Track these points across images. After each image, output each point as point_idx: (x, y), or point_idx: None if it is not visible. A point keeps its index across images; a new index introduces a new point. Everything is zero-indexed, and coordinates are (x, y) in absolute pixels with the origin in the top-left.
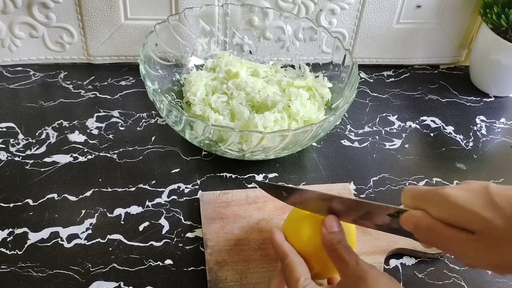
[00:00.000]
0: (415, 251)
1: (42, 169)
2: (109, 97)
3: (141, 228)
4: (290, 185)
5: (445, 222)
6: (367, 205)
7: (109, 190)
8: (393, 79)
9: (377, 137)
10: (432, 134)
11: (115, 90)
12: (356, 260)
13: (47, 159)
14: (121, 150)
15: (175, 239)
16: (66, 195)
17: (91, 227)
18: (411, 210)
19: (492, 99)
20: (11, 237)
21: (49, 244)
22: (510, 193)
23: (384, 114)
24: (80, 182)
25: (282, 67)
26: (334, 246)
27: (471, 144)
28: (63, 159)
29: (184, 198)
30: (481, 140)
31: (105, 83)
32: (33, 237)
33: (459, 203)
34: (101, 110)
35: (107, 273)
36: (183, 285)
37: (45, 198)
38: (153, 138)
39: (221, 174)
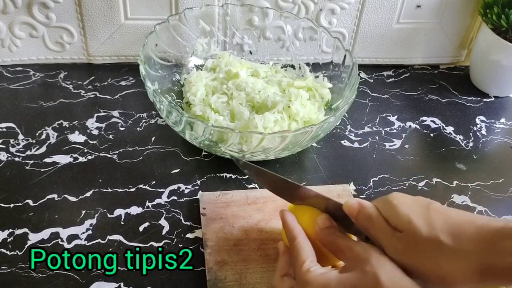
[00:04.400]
0: None
1: (42, 170)
2: (109, 97)
3: (141, 228)
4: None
5: (385, 219)
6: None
7: (109, 190)
8: (393, 79)
9: (377, 137)
10: (432, 135)
11: (115, 90)
12: (357, 243)
13: (47, 160)
14: (121, 150)
15: (175, 239)
16: (66, 195)
17: (91, 227)
18: (357, 199)
19: (492, 99)
20: (11, 238)
21: (49, 245)
22: (447, 212)
23: (384, 114)
24: (80, 183)
25: (282, 67)
26: (330, 237)
27: (471, 144)
28: (63, 159)
29: (184, 198)
30: (481, 141)
31: (105, 83)
32: (33, 238)
33: (400, 207)
34: (101, 110)
35: (107, 274)
36: (183, 285)
37: (45, 199)
38: (153, 139)
39: (221, 174)
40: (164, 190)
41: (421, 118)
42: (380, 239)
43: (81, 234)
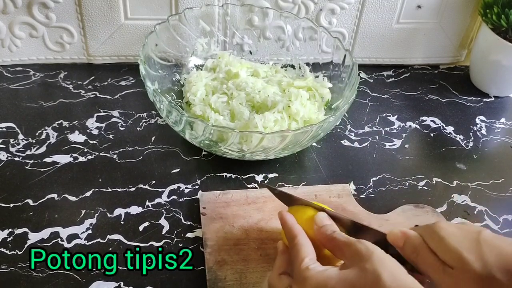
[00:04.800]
0: None
1: (42, 169)
2: (109, 97)
3: (141, 228)
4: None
5: (432, 250)
6: (365, 229)
7: (109, 190)
8: (393, 79)
9: (377, 137)
10: (432, 134)
11: (115, 90)
12: (358, 241)
13: (47, 159)
14: (121, 150)
15: (175, 239)
16: (66, 195)
17: (91, 227)
18: (402, 229)
19: (492, 99)
20: (11, 237)
21: (49, 244)
22: (499, 243)
23: (384, 114)
24: (80, 182)
25: (282, 67)
26: (329, 236)
27: (471, 144)
28: (63, 159)
29: (184, 198)
30: (481, 140)
31: (105, 83)
32: (33, 237)
33: (448, 240)
34: (101, 110)
35: (107, 273)
36: (183, 285)
37: (45, 198)
38: (153, 138)
39: (221, 174)
40: (164, 189)
41: (421, 118)
42: (430, 273)
43: (81, 233)
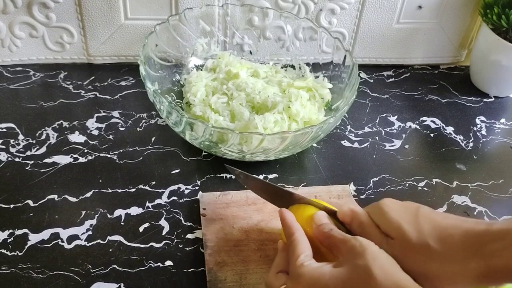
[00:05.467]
0: None
1: (42, 170)
2: (109, 97)
3: (141, 229)
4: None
5: (377, 225)
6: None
7: (109, 191)
8: (393, 79)
9: (377, 137)
10: (432, 135)
11: (115, 91)
12: (353, 238)
13: (47, 160)
14: (121, 150)
15: (175, 240)
16: (66, 196)
17: (91, 228)
18: (350, 206)
19: (492, 99)
20: (12, 238)
21: (49, 245)
22: (435, 216)
23: (384, 115)
24: (80, 183)
25: (282, 67)
26: (327, 233)
27: (471, 144)
28: (63, 160)
29: (184, 199)
30: (481, 141)
31: (105, 83)
32: (34, 238)
33: (390, 213)
34: (101, 111)
35: (107, 274)
36: (183, 286)
37: (46, 199)
38: (153, 139)
39: (221, 175)
40: (164, 190)
41: (421, 118)
42: None
43: (81, 234)
